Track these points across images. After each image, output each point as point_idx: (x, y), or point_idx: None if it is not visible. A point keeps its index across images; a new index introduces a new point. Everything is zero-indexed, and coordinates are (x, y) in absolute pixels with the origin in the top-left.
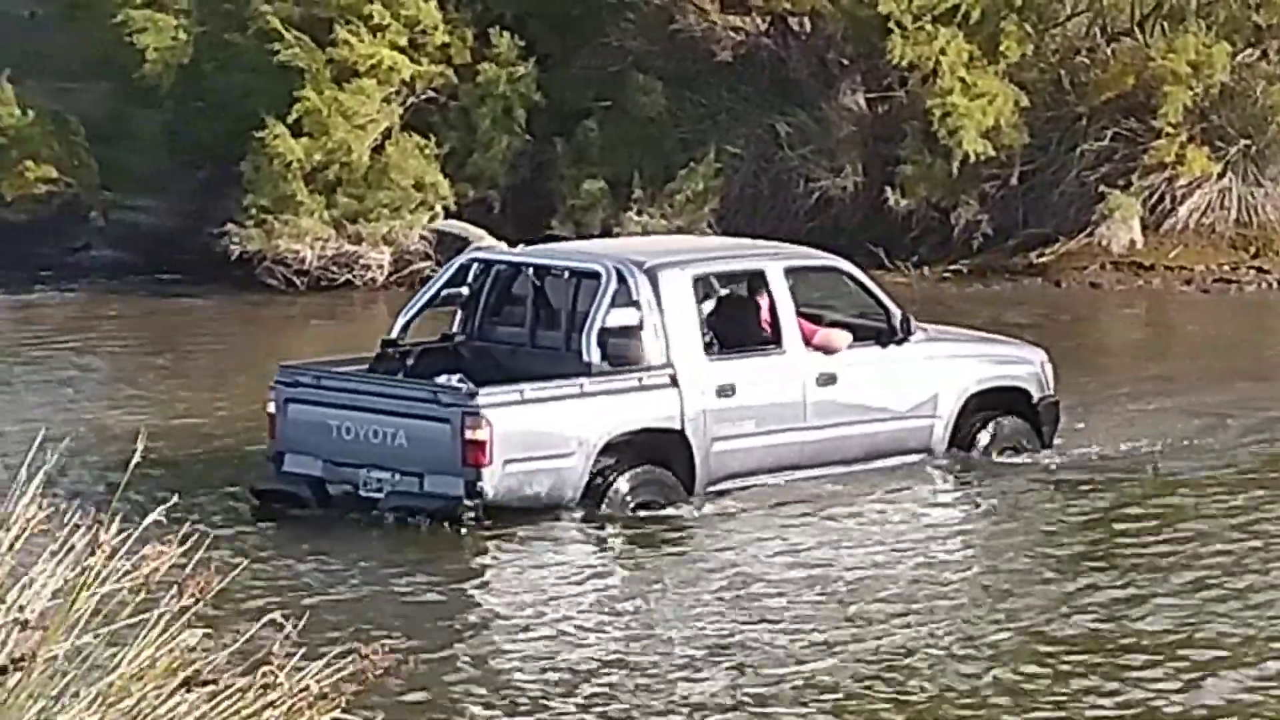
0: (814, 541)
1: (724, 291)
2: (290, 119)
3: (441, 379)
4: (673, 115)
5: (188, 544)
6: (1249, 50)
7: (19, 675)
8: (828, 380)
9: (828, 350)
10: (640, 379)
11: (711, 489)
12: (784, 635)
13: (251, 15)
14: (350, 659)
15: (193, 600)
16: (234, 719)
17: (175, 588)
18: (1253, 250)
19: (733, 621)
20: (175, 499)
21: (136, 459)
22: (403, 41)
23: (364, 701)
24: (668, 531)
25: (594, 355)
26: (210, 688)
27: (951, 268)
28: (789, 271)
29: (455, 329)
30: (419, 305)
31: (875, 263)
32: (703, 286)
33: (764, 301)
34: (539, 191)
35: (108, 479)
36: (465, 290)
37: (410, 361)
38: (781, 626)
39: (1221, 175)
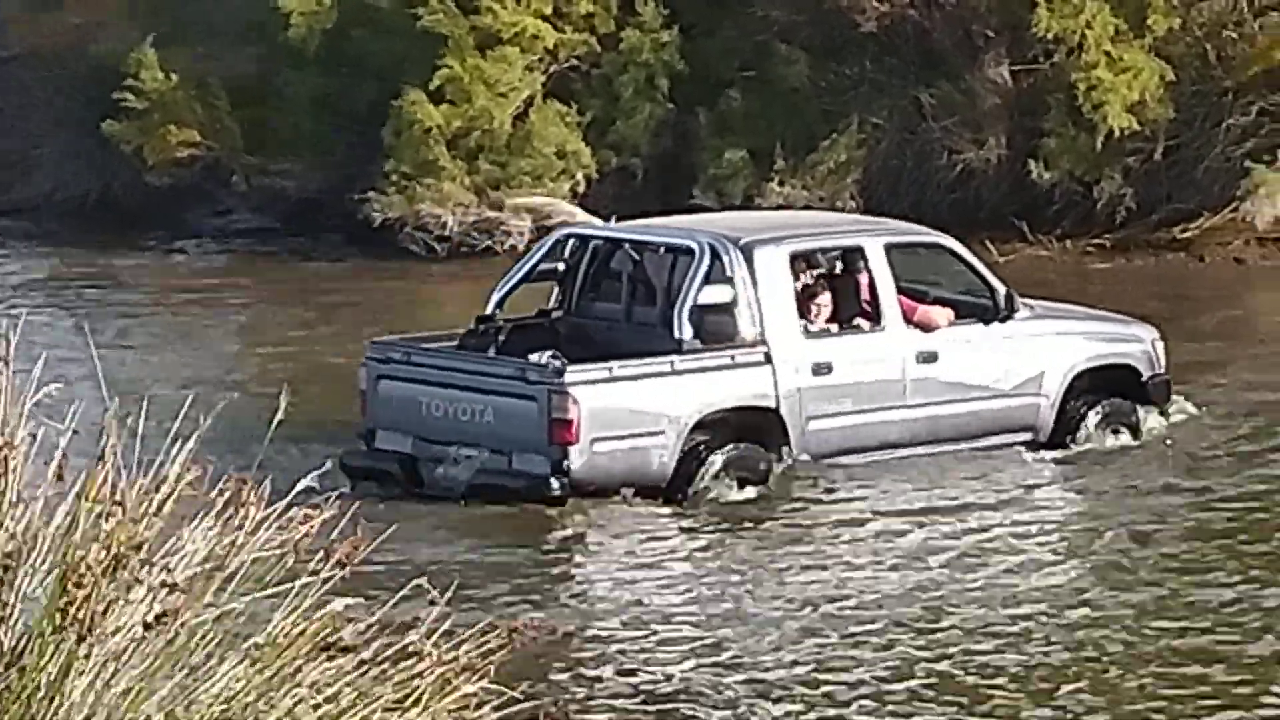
0: (907, 526)
1: (823, 268)
2: (432, 86)
3: (534, 356)
4: (816, 86)
5: (336, 509)
6: None
7: (165, 638)
8: (928, 358)
9: (928, 327)
10: (733, 356)
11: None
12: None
13: None
14: (498, 631)
15: (340, 566)
16: (380, 687)
17: (322, 553)
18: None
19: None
20: (327, 465)
21: (279, 417)
22: (547, 10)
23: (512, 674)
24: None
25: (686, 332)
26: (356, 656)
27: (1094, 242)
28: (889, 248)
29: (552, 305)
30: (513, 281)
31: (1017, 235)
32: (801, 262)
33: (863, 278)
34: (681, 161)
35: (249, 441)
36: (561, 266)
37: (503, 338)
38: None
39: None
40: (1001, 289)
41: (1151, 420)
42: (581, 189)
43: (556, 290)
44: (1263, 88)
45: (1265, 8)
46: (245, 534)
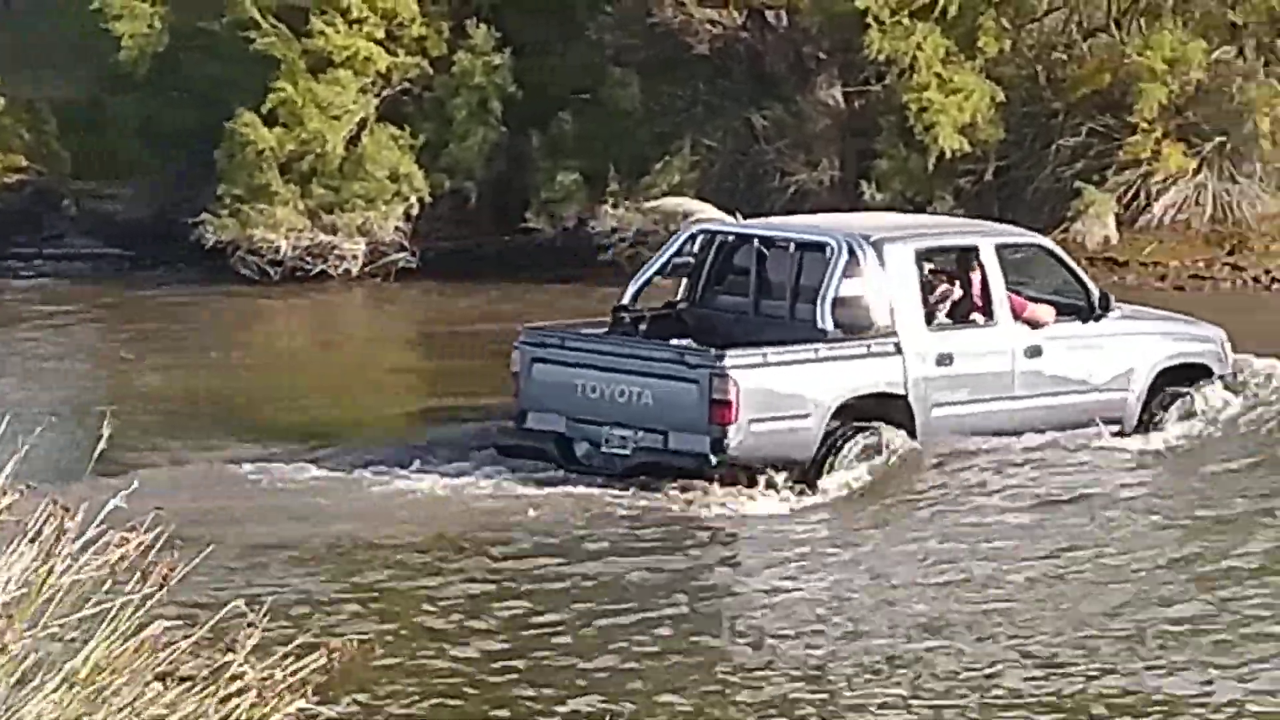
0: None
1: (942, 266)
2: (265, 109)
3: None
4: (649, 108)
5: (153, 530)
6: (1224, 47)
7: None
8: (1034, 352)
9: (1035, 324)
10: (869, 346)
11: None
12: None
13: (229, 3)
14: (316, 651)
15: (158, 587)
16: (199, 709)
17: (140, 575)
18: (1227, 247)
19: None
20: (135, 485)
21: (102, 446)
22: (379, 33)
23: (335, 692)
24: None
25: (828, 323)
26: (177, 680)
27: None
28: (999, 248)
29: (680, 297)
30: (649, 274)
31: None
32: (924, 260)
33: (976, 276)
34: (514, 184)
35: (68, 464)
36: (691, 260)
37: (642, 327)
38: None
39: (1196, 172)
40: (1096, 290)
41: (1222, 413)
42: (415, 212)
43: (685, 283)
44: (1092, 109)
45: (1094, 29)
46: (62, 558)
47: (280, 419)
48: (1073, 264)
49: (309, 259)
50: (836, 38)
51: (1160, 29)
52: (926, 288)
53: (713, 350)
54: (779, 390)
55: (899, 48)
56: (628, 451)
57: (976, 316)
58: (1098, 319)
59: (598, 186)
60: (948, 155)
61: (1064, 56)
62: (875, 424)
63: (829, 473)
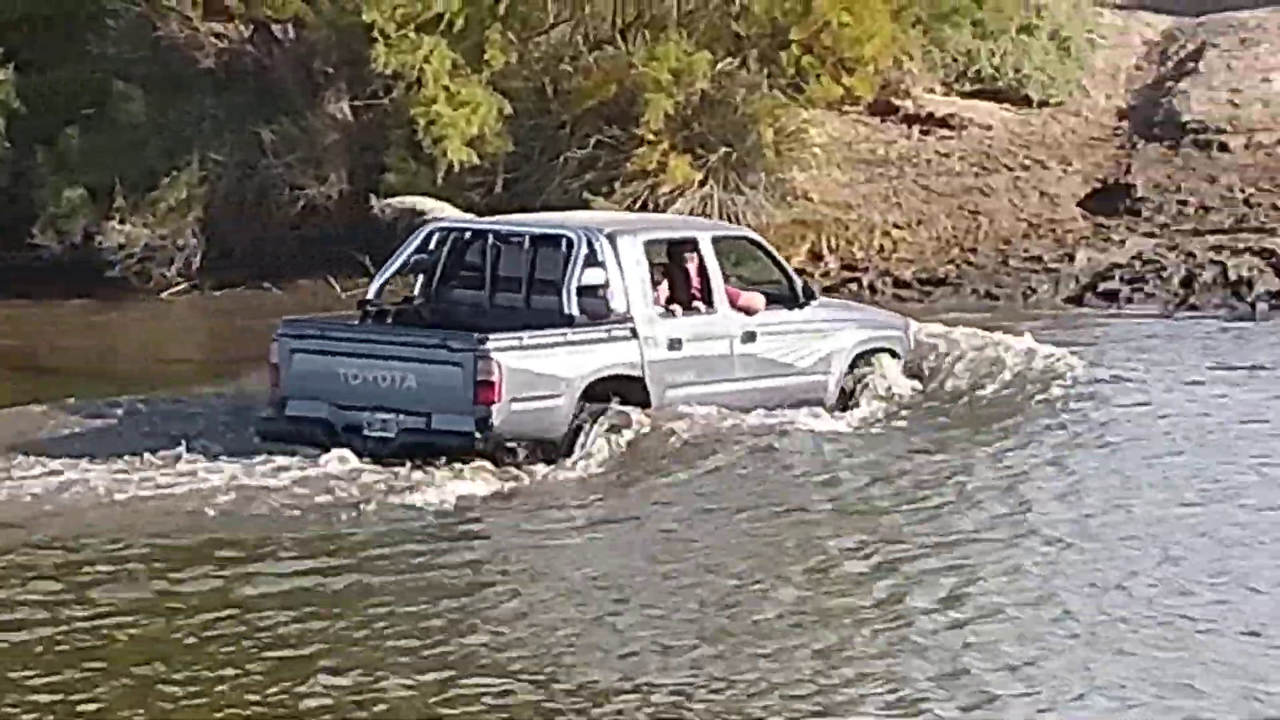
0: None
1: (665, 257)
2: None
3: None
4: (155, 123)
5: None
6: (729, 59)
7: None
8: (749, 338)
9: (749, 311)
10: (609, 331)
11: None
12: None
13: None
14: None
15: None
16: None
17: None
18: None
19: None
20: None
21: None
22: None
23: None
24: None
25: (574, 309)
26: None
27: None
28: (715, 240)
29: (417, 292)
30: (390, 270)
31: (361, 271)
32: (651, 250)
33: (695, 266)
34: (19, 200)
35: None
36: (428, 256)
37: (389, 320)
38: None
39: (703, 183)
40: (799, 281)
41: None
42: None
43: (421, 279)
44: (600, 120)
45: (600, 41)
46: None
47: None
48: (777, 255)
49: None
50: (344, 51)
51: (665, 40)
52: (654, 277)
53: (475, 334)
54: (536, 371)
55: (406, 61)
56: (391, 434)
57: (699, 304)
58: (801, 307)
59: (104, 202)
60: (456, 168)
61: (570, 68)
62: (615, 405)
63: (577, 449)
